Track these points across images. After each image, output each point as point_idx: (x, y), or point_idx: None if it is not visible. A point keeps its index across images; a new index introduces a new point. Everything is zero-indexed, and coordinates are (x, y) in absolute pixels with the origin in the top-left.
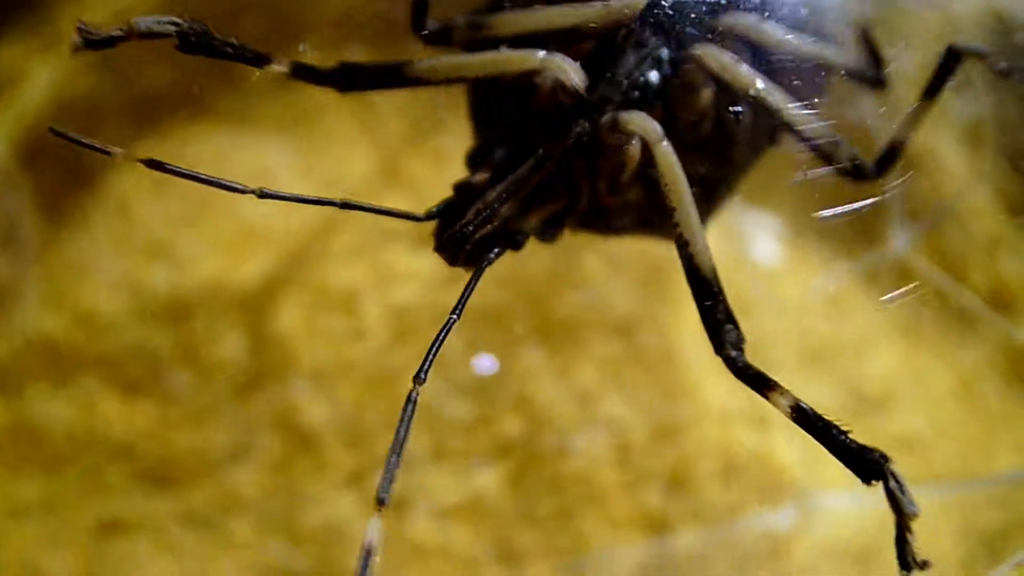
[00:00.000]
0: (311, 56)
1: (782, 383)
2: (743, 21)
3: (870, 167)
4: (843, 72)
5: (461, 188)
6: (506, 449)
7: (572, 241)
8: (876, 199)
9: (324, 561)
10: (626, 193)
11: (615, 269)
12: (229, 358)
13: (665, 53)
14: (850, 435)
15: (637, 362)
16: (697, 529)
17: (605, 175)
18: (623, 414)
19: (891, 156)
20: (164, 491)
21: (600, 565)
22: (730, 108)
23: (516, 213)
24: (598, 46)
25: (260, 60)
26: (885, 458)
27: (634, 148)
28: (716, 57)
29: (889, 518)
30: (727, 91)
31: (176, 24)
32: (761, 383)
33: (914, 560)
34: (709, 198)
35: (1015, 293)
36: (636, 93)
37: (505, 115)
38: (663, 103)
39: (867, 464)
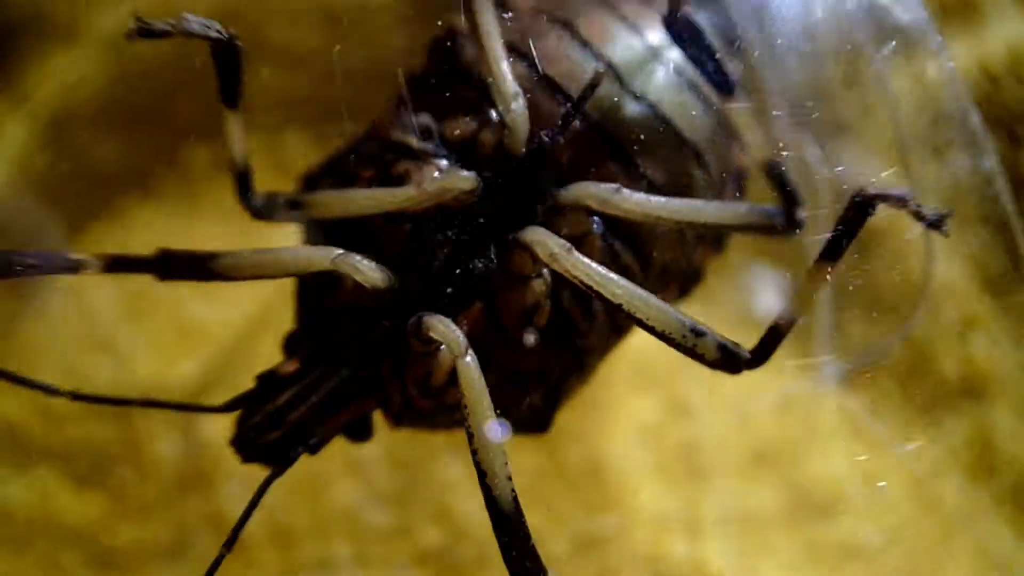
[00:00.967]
0: (251, 141)
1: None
2: (593, 193)
3: (744, 356)
4: (736, 228)
5: (265, 379)
6: (425, 558)
7: None
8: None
9: None
10: (442, 397)
11: None
12: (167, 457)
13: (489, 240)
14: None
15: (560, 475)
16: None
17: (413, 379)
18: (543, 526)
19: (772, 342)
20: None
21: None
22: (570, 298)
23: (317, 414)
24: (415, 232)
25: (73, 267)
26: None
27: (444, 354)
28: (545, 244)
29: None
30: (562, 281)
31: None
32: None
33: None
34: (550, 396)
35: (986, 378)
36: (451, 288)
37: (323, 305)
38: (487, 296)
39: None
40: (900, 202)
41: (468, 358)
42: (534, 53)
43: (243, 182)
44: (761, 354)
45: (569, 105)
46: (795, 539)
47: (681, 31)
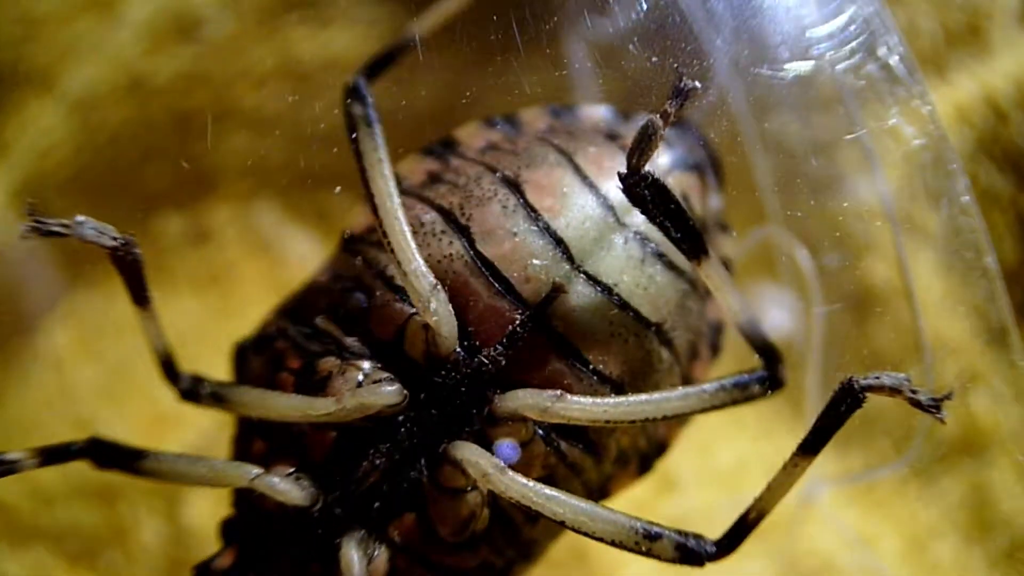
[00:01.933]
0: (222, 210)
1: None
2: (532, 404)
3: (707, 551)
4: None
5: (200, 570)
6: None
7: None
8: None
9: None
10: None
11: None
12: (151, 544)
13: (419, 452)
14: None
15: (546, 559)
16: None
17: None
18: None
19: (740, 533)
20: None
21: None
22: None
23: None
24: (340, 441)
25: (11, 467)
26: None
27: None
28: (477, 464)
29: None
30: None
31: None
32: None
33: None
34: None
35: (987, 434)
36: (379, 502)
37: (255, 504)
38: (419, 507)
39: None
40: (894, 391)
41: None
42: (472, 228)
43: (168, 368)
44: (728, 545)
45: (516, 322)
46: None
47: (645, 190)
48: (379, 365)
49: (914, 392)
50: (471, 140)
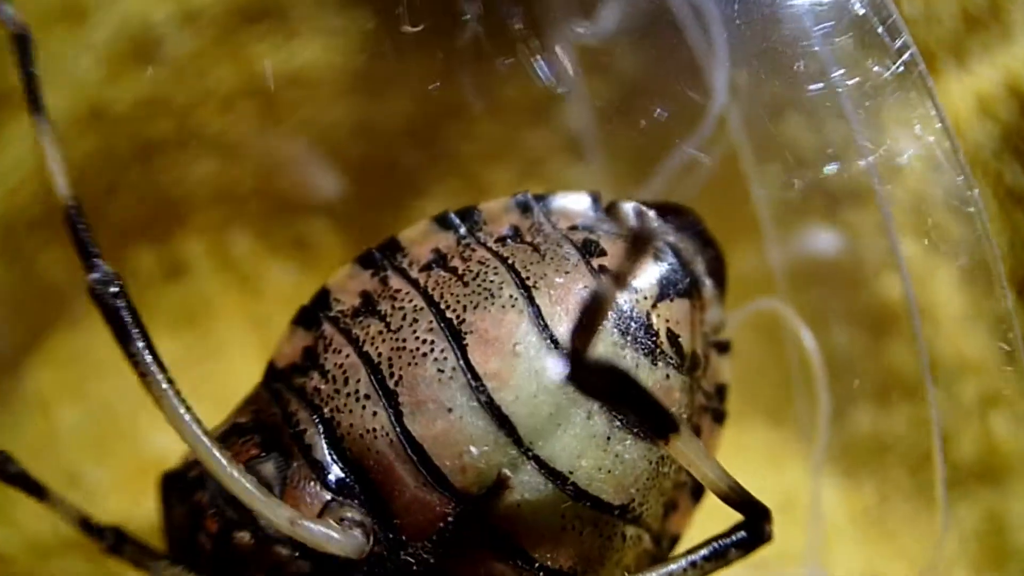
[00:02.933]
0: (195, 242)
1: None
2: None
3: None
4: None
5: None
6: None
7: None
8: None
9: None
10: None
11: None
12: None
13: None
14: None
15: None
16: None
17: None
18: None
19: None
20: None
21: None
22: None
23: None
24: None
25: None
26: None
27: None
28: None
29: None
30: None
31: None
32: None
33: None
34: None
35: (1006, 459)
36: None
37: None
38: None
39: None
40: None
41: None
42: (401, 396)
43: (87, 528)
44: None
45: (449, 517)
46: None
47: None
48: (296, 553)
49: None
50: (417, 247)
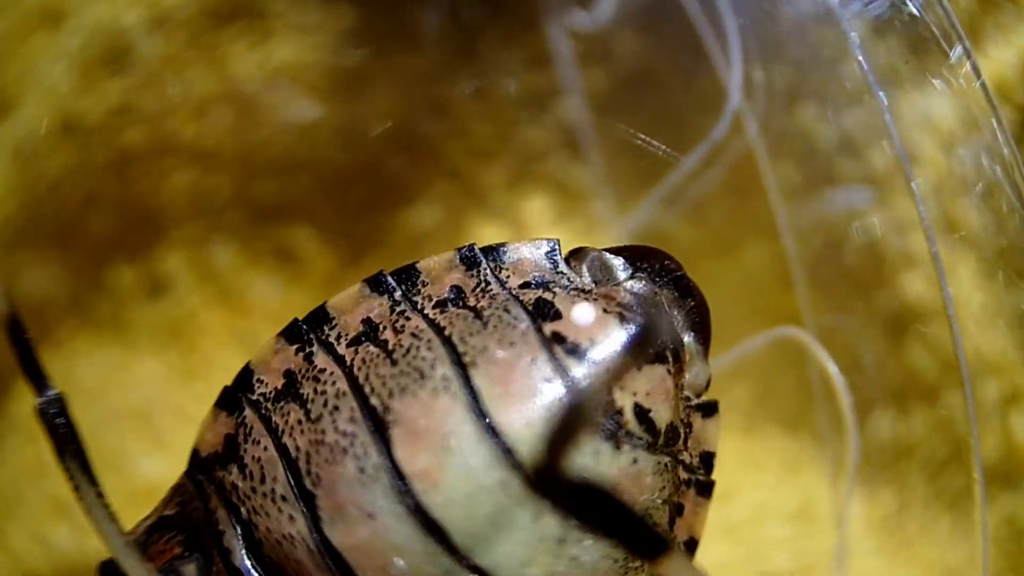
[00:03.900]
0: (175, 255)
1: None
2: None
3: None
4: None
5: None
6: None
7: None
8: None
9: None
10: None
11: None
12: None
13: None
14: None
15: None
16: None
17: None
18: None
19: None
20: None
21: None
22: None
23: None
24: None
25: None
26: None
27: None
28: None
29: None
30: None
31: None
32: None
33: None
34: None
35: None
36: None
37: None
38: None
39: None
40: None
41: None
42: (319, 498)
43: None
44: None
45: None
46: None
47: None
48: None
49: None
50: (347, 317)
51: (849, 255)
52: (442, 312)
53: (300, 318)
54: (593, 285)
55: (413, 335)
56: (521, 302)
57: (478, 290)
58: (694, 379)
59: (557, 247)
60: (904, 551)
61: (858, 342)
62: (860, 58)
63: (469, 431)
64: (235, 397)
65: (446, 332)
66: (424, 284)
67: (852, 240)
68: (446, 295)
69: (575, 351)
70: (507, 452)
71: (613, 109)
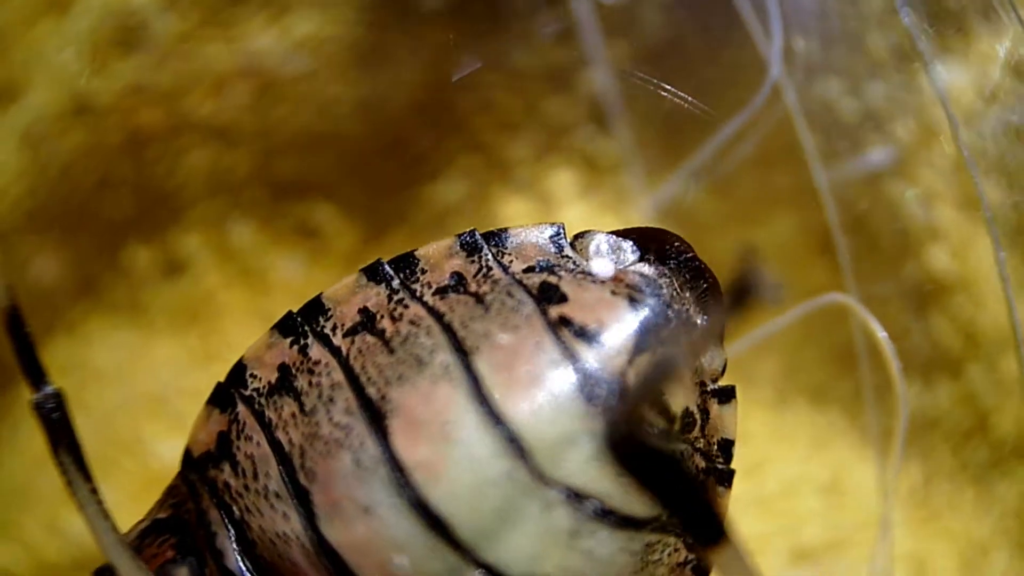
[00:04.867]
0: (192, 236)
1: None
2: None
3: None
4: None
5: None
6: None
7: None
8: None
9: None
10: None
11: None
12: None
13: None
14: None
15: None
16: None
17: None
18: None
19: None
20: None
21: None
22: None
23: None
24: None
25: None
26: None
27: None
28: None
29: None
30: None
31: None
32: None
33: None
34: None
35: None
36: None
37: None
38: None
39: None
40: None
41: None
42: (314, 494)
43: None
44: None
45: None
46: None
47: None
48: None
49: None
50: (343, 307)
51: (874, 227)
52: (442, 299)
53: (295, 311)
54: (600, 268)
55: (411, 323)
56: (524, 286)
57: (480, 275)
58: (709, 363)
59: (562, 231)
60: (931, 524)
61: (883, 314)
62: (906, 19)
63: (471, 419)
64: (228, 393)
65: (446, 319)
66: (423, 271)
67: (877, 213)
68: (446, 282)
69: (583, 334)
70: (512, 440)
71: (639, 80)
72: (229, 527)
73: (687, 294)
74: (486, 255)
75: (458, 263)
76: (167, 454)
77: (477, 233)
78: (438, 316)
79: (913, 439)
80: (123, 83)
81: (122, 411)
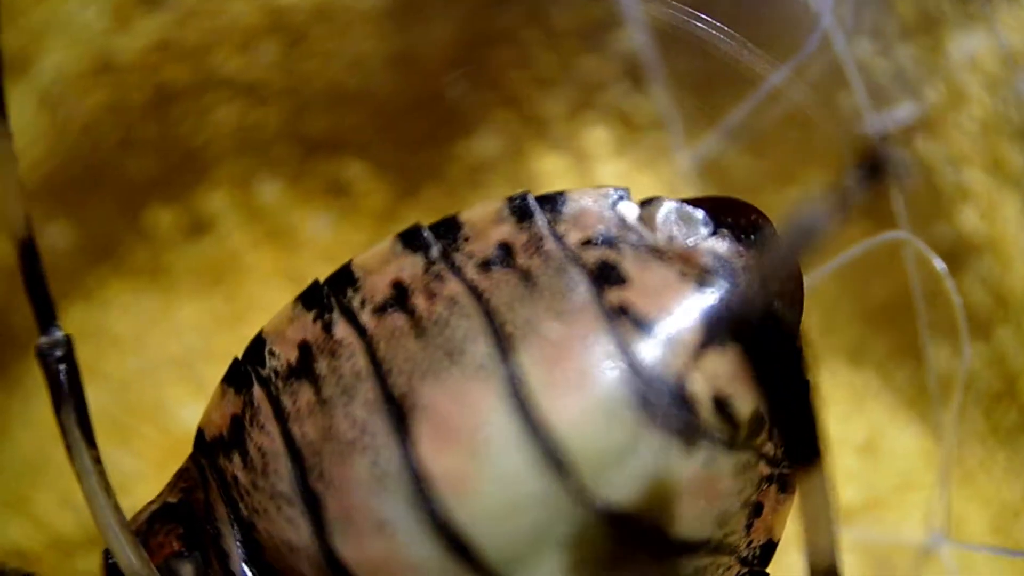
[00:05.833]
0: (218, 195)
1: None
2: None
3: None
4: None
5: None
6: None
7: None
8: None
9: None
10: None
11: None
12: None
13: None
14: None
15: None
16: None
17: None
18: None
19: None
20: None
21: None
22: None
23: None
24: None
25: None
26: None
27: None
28: None
29: None
30: None
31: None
32: None
33: None
34: None
35: None
36: None
37: None
38: None
39: None
40: None
41: None
42: (326, 502)
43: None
44: None
45: None
46: None
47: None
48: None
49: None
50: (374, 278)
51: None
52: (484, 274)
53: (321, 280)
54: (669, 243)
55: (448, 302)
56: (580, 263)
57: (528, 247)
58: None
59: (627, 196)
60: (966, 487)
61: (914, 275)
62: None
63: (507, 425)
64: (244, 371)
65: (487, 299)
66: (466, 239)
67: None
68: (491, 253)
69: (642, 324)
70: (554, 452)
71: (676, 37)
72: (235, 526)
73: (764, 274)
74: (539, 223)
75: (506, 230)
76: (191, 419)
77: (530, 196)
78: (478, 296)
79: (944, 401)
80: (147, 41)
81: (142, 377)
